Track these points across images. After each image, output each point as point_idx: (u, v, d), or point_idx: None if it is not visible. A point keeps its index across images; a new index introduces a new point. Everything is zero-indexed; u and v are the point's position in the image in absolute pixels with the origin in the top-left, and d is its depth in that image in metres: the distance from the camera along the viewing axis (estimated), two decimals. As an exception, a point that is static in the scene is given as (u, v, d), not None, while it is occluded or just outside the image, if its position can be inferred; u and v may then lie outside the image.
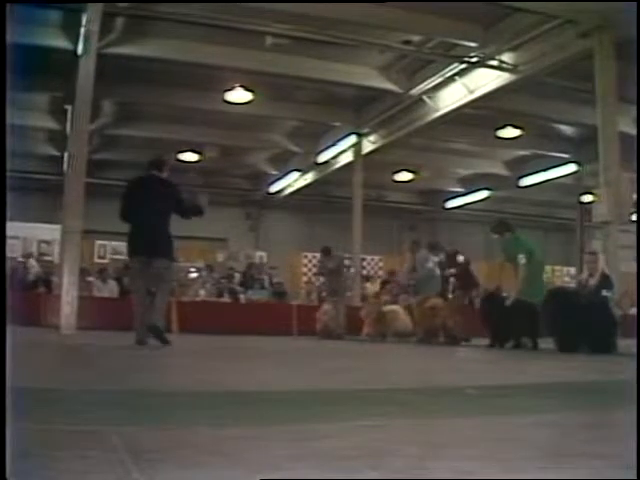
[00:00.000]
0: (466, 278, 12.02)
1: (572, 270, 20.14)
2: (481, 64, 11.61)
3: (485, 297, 10.09)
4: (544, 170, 18.11)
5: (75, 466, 1.37)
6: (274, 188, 20.10)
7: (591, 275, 8.40)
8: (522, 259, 8.99)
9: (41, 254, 18.35)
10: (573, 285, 17.98)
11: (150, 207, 6.96)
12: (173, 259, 7.70)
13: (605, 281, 8.25)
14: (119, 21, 11.13)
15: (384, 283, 16.77)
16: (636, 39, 8.22)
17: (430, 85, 13.01)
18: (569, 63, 10.63)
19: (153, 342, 6.81)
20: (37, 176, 17.36)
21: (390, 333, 11.46)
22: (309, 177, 19.06)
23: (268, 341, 10.21)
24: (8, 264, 13.12)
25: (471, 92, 12.36)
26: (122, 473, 1.33)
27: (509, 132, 15.52)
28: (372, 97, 14.73)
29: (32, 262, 16.39)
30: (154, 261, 6.97)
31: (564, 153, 17.24)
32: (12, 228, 14.46)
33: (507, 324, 8.86)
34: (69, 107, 12.51)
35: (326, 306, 12.70)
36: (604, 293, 8.16)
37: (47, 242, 18.30)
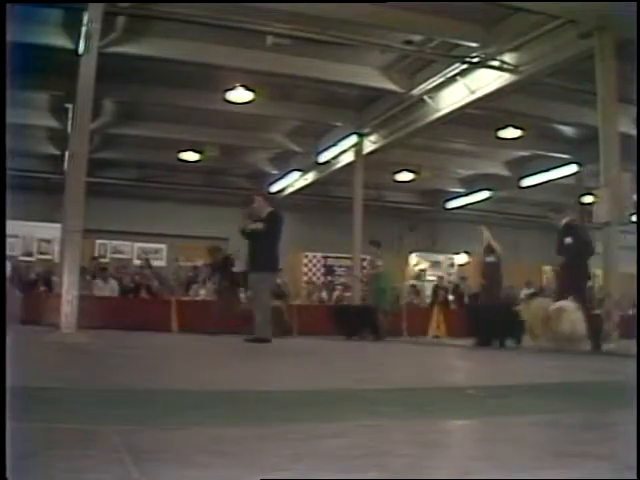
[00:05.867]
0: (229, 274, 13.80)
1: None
2: (482, 64, 11.61)
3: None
4: (545, 171, 18.11)
5: (75, 465, 1.37)
6: (275, 188, 20.10)
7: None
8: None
9: (41, 253, 18.37)
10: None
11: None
12: None
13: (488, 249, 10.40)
14: (120, 20, 11.13)
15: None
16: (636, 39, 8.21)
17: (431, 85, 13.01)
18: (570, 64, 10.63)
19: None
20: (38, 175, 17.37)
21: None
22: (310, 177, 19.05)
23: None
24: (8, 264, 13.12)
25: (472, 92, 12.36)
26: (122, 473, 1.33)
27: (510, 132, 15.52)
28: (373, 97, 14.73)
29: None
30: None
31: (565, 154, 17.24)
32: (12, 227, 14.48)
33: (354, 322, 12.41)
34: (70, 106, 12.52)
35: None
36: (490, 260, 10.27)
37: (47, 241, 18.32)
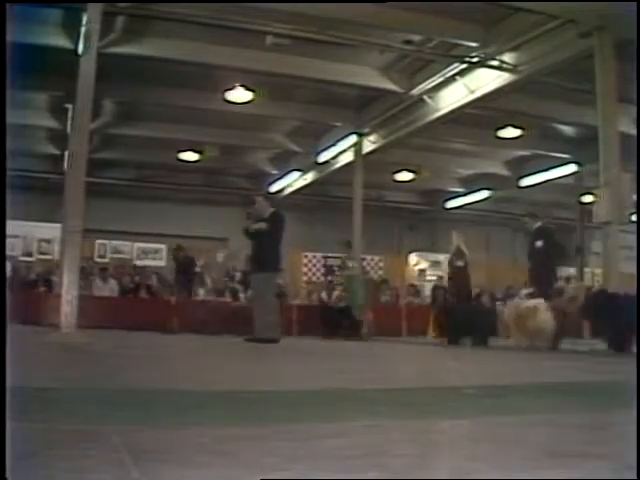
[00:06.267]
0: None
1: (572, 270, 20.11)
2: (482, 64, 11.61)
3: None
4: (544, 170, 18.10)
5: (75, 466, 1.37)
6: (274, 188, 20.10)
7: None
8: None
9: (41, 253, 18.37)
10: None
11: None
12: None
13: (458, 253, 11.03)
14: (119, 20, 11.13)
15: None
16: (636, 39, 8.21)
17: (431, 85, 13.00)
18: (569, 63, 10.63)
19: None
20: (37, 175, 17.36)
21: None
22: (309, 177, 19.05)
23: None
24: (8, 264, 13.14)
25: (472, 92, 12.36)
26: (122, 473, 1.33)
27: (509, 132, 15.51)
28: (373, 97, 14.73)
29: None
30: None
31: (564, 153, 17.23)
32: (12, 227, 14.48)
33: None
34: (69, 106, 12.51)
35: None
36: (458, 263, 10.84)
37: (47, 241, 18.31)
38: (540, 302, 8.59)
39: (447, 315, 11.15)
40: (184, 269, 14.86)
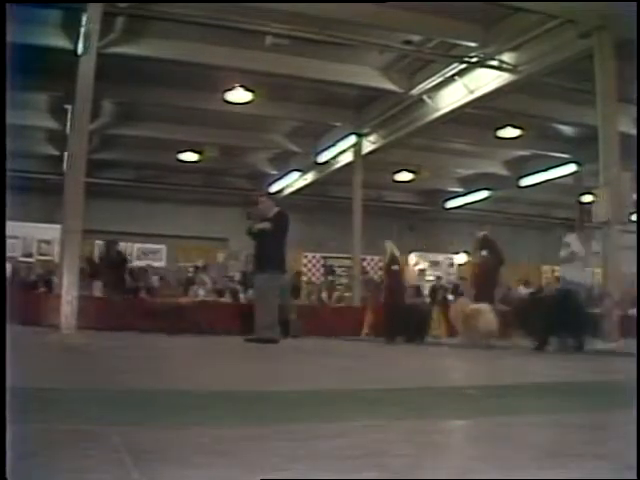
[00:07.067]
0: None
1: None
2: (481, 64, 11.61)
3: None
4: (544, 170, 18.11)
5: (75, 466, 1.37)
6: (274, 188, 20.09)
7: None
8: None
9: (41, 254, 18.38)
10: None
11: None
12: None
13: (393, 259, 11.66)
14: (119, 21, 11.12)
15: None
16: (636, 39, 8.21)
17: (430, 85, 13.00)
18: (569, 63, 10.63)
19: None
20: (37, 176, 17.35)
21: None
22: (309, 177, 19.05)
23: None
24: (8, 264, 13.14)
25: (471, 92, 12.36)
26: (122, 473, 1.33)
27: (509, 132, 15.51)
28: (372, 97, 14.73)
29: None
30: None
31: (564, 153, 17.23)
32: (12, 228, 14.48)
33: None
34: (69, 107, 12.50)
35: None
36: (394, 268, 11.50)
37: (47, 242, 18.32)
38: (483, 305, 9.42)
39: (384, 314, 11.73)
40: (117, 265, 14.70)
